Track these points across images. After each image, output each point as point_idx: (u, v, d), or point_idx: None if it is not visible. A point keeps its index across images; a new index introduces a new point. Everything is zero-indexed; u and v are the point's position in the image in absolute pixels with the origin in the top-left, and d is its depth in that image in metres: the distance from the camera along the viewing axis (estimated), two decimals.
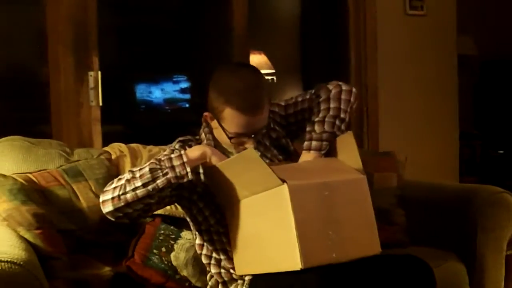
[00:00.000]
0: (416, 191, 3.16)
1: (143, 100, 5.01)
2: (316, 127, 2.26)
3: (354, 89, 2.38)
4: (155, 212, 2.59)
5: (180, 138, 2.33)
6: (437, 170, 4.58)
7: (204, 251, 2.32)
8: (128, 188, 2.04)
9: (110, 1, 4.04)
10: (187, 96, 5.17)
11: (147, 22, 4.78)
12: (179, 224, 2.58)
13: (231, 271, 2.25)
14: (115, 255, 2.48)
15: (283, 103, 2.43)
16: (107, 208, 2.07)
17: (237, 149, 2.22)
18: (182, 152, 2.07)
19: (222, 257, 2.26)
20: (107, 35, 3.81)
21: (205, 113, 2.25)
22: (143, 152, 2.84)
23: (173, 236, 2.54)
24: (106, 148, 2.86)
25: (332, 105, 2.30)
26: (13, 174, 2.43)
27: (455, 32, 4.84)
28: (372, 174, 2.99)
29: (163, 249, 2.49)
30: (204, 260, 2.33)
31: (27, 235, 2.15)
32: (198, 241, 2.34)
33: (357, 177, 2.09)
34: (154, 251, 2.47)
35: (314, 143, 2.24)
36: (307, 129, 2.29)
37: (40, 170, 2.53)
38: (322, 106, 2.30)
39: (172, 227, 2.57)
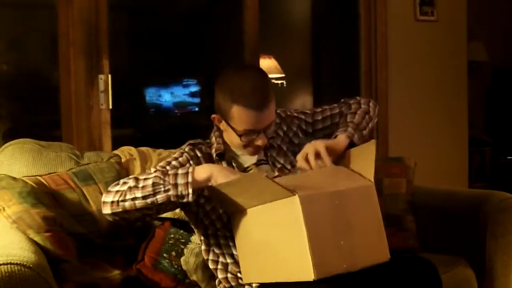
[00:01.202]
0: (426, 197, 3.14)
1: (153, 103, 5.02)
2: (344, 119, 2.38)
3: (377, 107, 2.51)
4: (164, 216, 2.60)
5: (191, 141, 2.33)
6: (446, 176, 4.57)
7: (211, 256, 2.32)
8: (128, 196, 2.05)
9: (121, 5, 4.05)
10: (197, 100, 5.17)
11: (157, 26, 4.79)
12: (189, 228, 2.58)
13: (238, 275, 2.24)
14: (125, 258, 2.47)
15: (309, 111, 2.49)
16: (105, 210, 2.10)
17: (247, 150, 2.24)
18: (190, 170, 2.05)
19: (229, 261, 2.26)
20: (117, 39, 3.83)
21: (213, 115, 2.27)
22: (152, 155, 2.84)
23: (183, 241, 2.54)
24: (116, 152, 2.87)
25: (360, 111, 2.42)
26: (23, 176, 2.43)
27: (465, 38, 4.82)
28: (382, 180, 2.99)
29: (173, 253, 2.49)
30: (210, 265, 2.32)
31: (36, 238, 2.14)
32: (204, 246, 2.34)
33: (365, 184, 2.08)
34: (164, 255, 2.47)
35: (340, 128, 2.32)
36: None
37: (50, 173, 2.54)
38: (353, 109, 2.43)
39: (181, 231, 2.57)
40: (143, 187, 2.05)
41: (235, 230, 2.16)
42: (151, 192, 2.03)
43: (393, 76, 4.42)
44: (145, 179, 2.07)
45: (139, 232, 2.57)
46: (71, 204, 2.45)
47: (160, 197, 2.03)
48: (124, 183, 2.11)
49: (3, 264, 1.75)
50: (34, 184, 2.38)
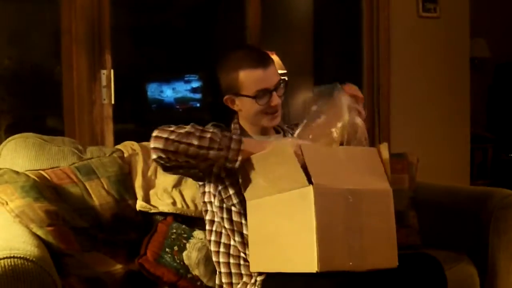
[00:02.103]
0: (428, 193, 3.14)
1: (155, 99, 5.01)
2: None
3: None
4: (167, 211, 2.60)
5: (214, 123, 2.37)
6: (448, 172, 4.57)
7: (213, 237, 2.31)
8: (184, 140, 2.06)
9: (123, 1, 4.05)
10: (198, 95, 5.16)
11: (160, 21, 4.79)
12: (191, 223, 2.58)
13: (242, 255, 2.24)
14: (127, 253, 2.48)
15: None
16: (157, 144, 2.09)
17: (266, 119, 2.31)
18: (244, 138, 2.10)
19: (237, 239, 2.24)
20: (120, 34, 3.82)
21: (225, 98, 2.34)
22: None
23: (185, 235, 2.54)
24: (118, 146, 2.87)
25: None
26: (26, 171, 2.43)
27: (468, 34, 4.82)
28: None
29: (176, 248, 2.49)
30: (213, 247, 2.31)
31: (39, 232, 2.14)
32: (208, 226, 2.33)
33: (384, 188, 2.06)
34: (167, 249, 2.47)
35: None
36: None
37: (52, 167, 2.54)
38: None
39: (184, 226, 2.57)
40: (200, 137, 2.07)
41: (249, 216, 2.17)
42: (206, 145, 2.06)
43: (395, 72, 4.42)
44: (203, 130, 2.10)
45: (141, 227, 2.57)
46: (73, 198, 2.44)
47: (211, 153, 2.06)
48: (180, 127, 2.12)
49: (6, 258, 1.75)
50: (36, 178, 2.38)
